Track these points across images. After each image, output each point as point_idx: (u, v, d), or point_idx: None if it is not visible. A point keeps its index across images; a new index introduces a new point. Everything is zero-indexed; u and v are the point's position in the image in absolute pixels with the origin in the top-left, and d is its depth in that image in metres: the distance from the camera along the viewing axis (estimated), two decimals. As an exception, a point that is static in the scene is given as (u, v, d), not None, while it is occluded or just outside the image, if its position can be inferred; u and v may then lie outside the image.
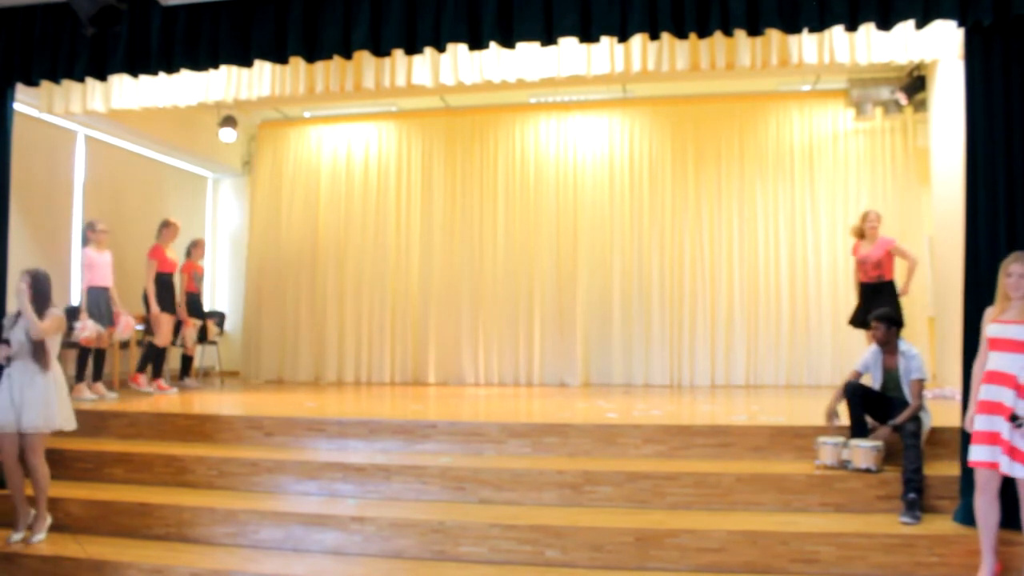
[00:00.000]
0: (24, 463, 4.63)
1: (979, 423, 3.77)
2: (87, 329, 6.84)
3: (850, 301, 8.72)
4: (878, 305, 7.12)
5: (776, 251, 8.95)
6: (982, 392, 3.81)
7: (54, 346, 4.77)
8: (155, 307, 7.72)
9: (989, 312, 3.95)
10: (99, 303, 7.08)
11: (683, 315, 8.96)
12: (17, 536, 4.59)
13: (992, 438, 3.71)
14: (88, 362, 7.07)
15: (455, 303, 9.48)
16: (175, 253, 8.11)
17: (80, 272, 7.16)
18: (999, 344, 3.80)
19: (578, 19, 4.67)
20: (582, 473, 4.67)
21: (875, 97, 8.39)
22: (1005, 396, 3.70)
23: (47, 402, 4.63)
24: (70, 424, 4.78)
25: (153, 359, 7.86)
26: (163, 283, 7.86)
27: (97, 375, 7.12)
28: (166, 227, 8.03)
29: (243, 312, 10.18)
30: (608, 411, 6.12)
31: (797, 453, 4.88)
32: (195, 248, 8.46)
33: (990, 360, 3.84)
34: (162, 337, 7.80)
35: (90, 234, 7.18)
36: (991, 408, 3.74)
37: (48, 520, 4.69)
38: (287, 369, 9.87)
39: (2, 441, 4.58)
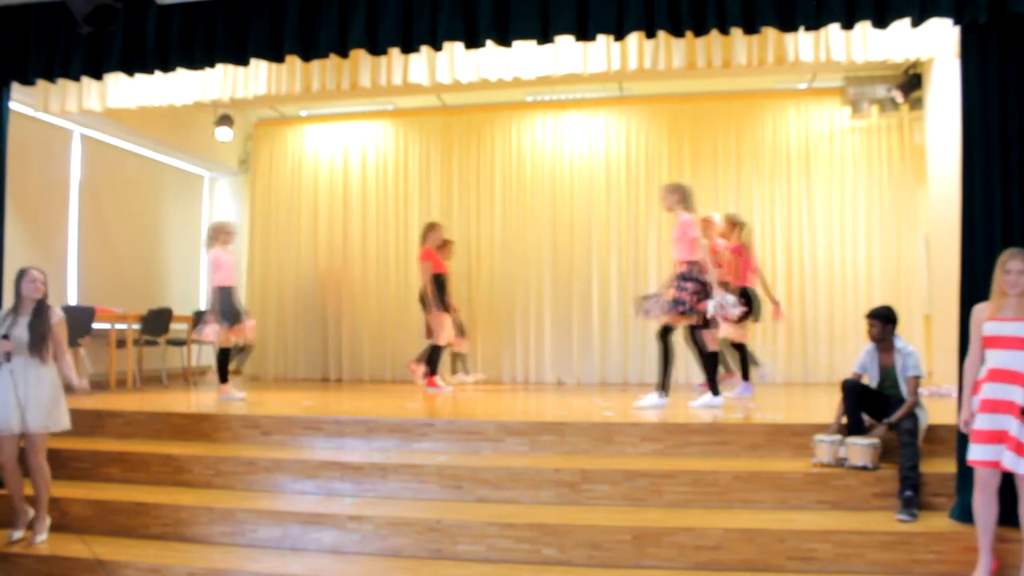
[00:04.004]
0: (26, 463, 4.59)
1: (981, 422, 3.72)
2: (211, 331, 6.87)
3: (847, 298, 8.78)
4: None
5: (772, 249, 8.96)
6: (985, 391, 3.74)
7: (63, 343, 4.74)
8: (439, 308, 7.79)
9: (980, 309, 3.89)
10: (227, 302, 7.05)
11: (680, 313, 8.96)
12: (17, 534, 4.58)
13: (994, 437, 3.67)
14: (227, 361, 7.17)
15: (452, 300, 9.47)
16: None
17: (208, 272, 7.14)
18: (1000, 342, 3.74)
19: (574, 17, 4.66)
20: (579, 471, 4.67)
21: (871, 95, 8.40)
22: (1014, 394, 3.65)
23: (51, 401, 4.61)
24: (67, 424, 4.75)
25: (436, 358, 7.94)
26: (439, 284, 7.90)
27: (223, 376, 7.14)
28: (432, 230, 8.03)
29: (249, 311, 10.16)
30: (605, 409, 6.12)
31: (794, 451, 4.89)
32: (443, 248, 8.34)
33: (990, 358, 3.78)
34: (444, 336, 7.86)
35: (219, 234, 7.16)
36: (995, 407, 3.68)
37: (48, 520, 4.67)
38: (291, 368, 9.90)
39: (3, 442, 4.52)
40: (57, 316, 4.70)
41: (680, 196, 6.27)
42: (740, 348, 7.16)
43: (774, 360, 8.81)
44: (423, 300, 7.90)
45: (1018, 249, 3.84)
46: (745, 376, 7.14)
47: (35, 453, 4.57)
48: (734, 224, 7.28)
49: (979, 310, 3.91)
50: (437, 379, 7.90)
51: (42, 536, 4.59)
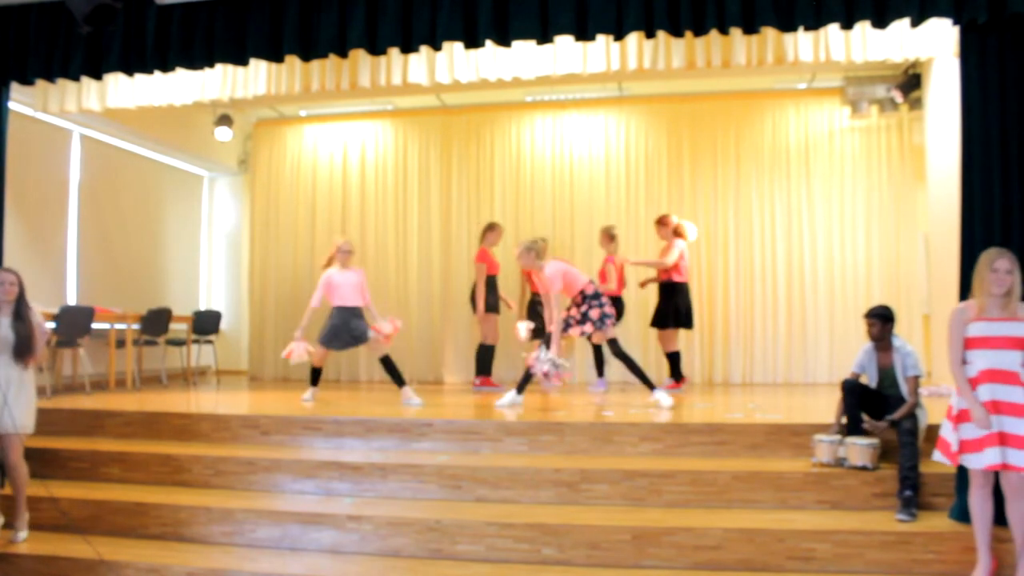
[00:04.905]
0: (5, 463, 4.56)
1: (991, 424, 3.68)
2: (295, 351, 6.75)
3: (847, 298, 8.78)
4: (675, 303, 7.53)
5: (772, 249, 8.97)
6: (983, 393, 3.71)
7: (40, 347, 4.71)
8: (482, 309, 7.78)
9: (963, 309, 3.86)
10: (341, 322, 6.81)
11: (679, 313, 8.96)
12: None
13: (1001, 439, 3.64)
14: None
15: (452, 300, 9.48)
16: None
17: (318, 290, 6.84)
18: (990, 342, 3.73)
19: (574, 17, 4.67)
20: (579, 471, 4.67)
21: (871, 95, 8.40)
22: (1014, 395, 3.64)
23: (31, 402, 4.62)
24: (32, 427, 4.68)
25: (487, 358, 7.94)
26: (491, 285, 7.89)
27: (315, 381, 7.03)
28: (491, 230, 8.02)
29: (248, 311, 10.18)
30: (604, 409, 6.12)
31: (794, 451, 4.89)
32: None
33: (978, 358, 3.76)
34: (493, 336, 7.86)
35: (335, 254, 6.96)
36: (998, 408, 3.66)
37: (27, 516, 4.65)
38: (291, 367, 9.83)
39: None
40: (37, 315, 4.70)
41: (535, 254, 6.36)
42: (597, 348, 7.81)
43: (773, 359, 8.82)
44: (473, 301, 7.90)
45: (1003, 249, 3.84)
46: (600, 373, 7.95)
47: (13, 452, 4.55)
48: (611, 236, 7.69)
49: (962, 310, 3.87)
50: (492, 379, 7.96)
51: (23, 533, 4.59)
